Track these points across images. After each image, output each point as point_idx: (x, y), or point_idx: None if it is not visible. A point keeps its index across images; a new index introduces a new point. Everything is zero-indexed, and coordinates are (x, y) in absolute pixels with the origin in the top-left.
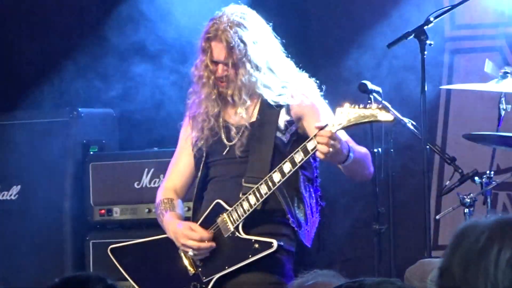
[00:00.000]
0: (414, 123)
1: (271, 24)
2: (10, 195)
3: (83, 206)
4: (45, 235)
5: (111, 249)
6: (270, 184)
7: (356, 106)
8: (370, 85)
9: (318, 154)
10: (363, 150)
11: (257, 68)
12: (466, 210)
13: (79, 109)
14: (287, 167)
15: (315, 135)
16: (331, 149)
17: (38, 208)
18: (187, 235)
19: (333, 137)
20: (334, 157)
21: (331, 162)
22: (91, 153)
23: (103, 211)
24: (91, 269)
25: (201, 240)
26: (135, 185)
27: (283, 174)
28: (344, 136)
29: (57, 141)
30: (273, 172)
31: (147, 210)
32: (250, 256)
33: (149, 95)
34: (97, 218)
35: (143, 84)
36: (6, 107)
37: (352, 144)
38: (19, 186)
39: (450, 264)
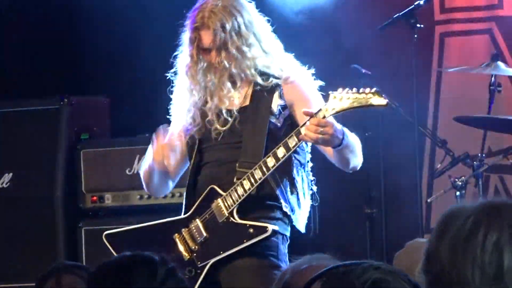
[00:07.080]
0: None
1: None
2: (2, 182)
3: (75, 193)
4: (37, 222)
5: (106, 235)
6: (264, 169)
7: (350, 91)
8: (361, 69)
9: (306, 139)
10: (355, 137)
11: (248, 51)
12: (458, 193)
13: (70, 96)
14: (281, 152)
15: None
16: (320, 136)
17: (30, 196)
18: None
19: (322, 123)
20: (327, 142)
21: (326, 146)
22: (82, 140)
23: (95, 198)
24: (84, 256)
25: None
26: (127, 171)
27: (277, 159)
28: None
29: (48, 129)
30: (267, 157)
31: (139, 196)
32: (245, 241)
33: (141, 81)
34: (89, 205)
35: (135, 70)
36: None
37: (346, 130)
38: (11, 174)
39: (437, 249)
